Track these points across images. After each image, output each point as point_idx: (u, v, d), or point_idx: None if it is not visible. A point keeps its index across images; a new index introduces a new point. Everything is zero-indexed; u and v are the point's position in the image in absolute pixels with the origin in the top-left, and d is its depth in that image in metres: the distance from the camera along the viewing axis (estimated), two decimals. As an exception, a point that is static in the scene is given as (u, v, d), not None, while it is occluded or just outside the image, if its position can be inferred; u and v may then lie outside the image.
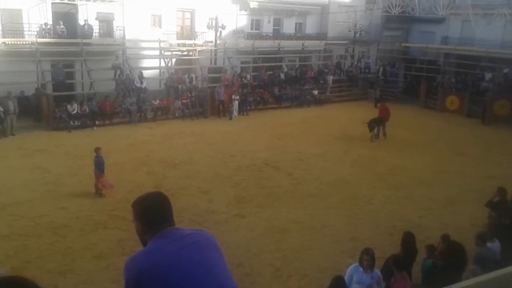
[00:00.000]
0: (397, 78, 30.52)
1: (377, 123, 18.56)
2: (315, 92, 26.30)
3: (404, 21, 31.82)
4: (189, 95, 22.31)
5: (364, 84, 29.30)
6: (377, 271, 6.54)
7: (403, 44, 31.77)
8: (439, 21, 29.97)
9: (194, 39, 25.37)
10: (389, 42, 33.08)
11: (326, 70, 28.58)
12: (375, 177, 14.32)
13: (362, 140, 18.25)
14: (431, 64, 28.61)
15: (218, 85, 22.99)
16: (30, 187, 12.33)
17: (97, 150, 12.03)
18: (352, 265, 6.64)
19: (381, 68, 29.72)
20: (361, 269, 6.42)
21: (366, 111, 21.20)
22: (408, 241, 7.41)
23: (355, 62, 31.13)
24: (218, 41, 25.12)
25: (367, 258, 6.34)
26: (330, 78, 27.95)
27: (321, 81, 27.76)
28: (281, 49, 27.51)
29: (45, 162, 14.50)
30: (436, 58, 30.15)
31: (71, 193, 12.08)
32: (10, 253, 9.04)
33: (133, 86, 21.38)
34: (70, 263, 8.78)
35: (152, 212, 2.28)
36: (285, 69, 27.52)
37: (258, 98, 24.48)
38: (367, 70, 30.37)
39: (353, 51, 31.90)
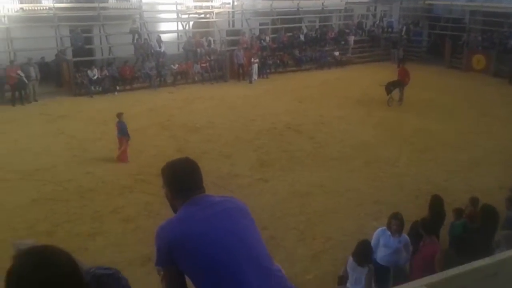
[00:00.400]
0: (421, 37, 29.52)
1: (394, 86, 18.04)
2: (336, 53, 25.68)
3: (428, -23, 30.51)
4: (208, 58, 22.06)
5: (387, 44, 28.43)
6: (404, 235, 6.43)
7: (427, 2, 30.49)
8: (466, -23, 28.62)
9: (211, 1, 24.84)
10: (413, 0, 31.85)
11: (347, 31, 27.77)
12: (399, 140, 14.09)
13: (384, 102, 17.85)
14: (456, 22, 27.52)
15: (237, 48, 22.63)
16: (55, 153, 12.52)
17: (119, 115, 12.09)
18: (380, 229, 6.54)
19: (404, 27, 28.72)
20: (389, 233, 6.32)
21: (389, 72, 20.65)
22: (436, 204, 7.29)
23: (377, 22, 30.09)
24: (235, 3, 24.55)
25: (396, 223, 6.23)
26: (352, 38, 27.19)
27: (342, 42, 27.04)
28: (300, 9, 26.75)
29: (69, 127, 14.67)
30: (462, 16, 28.99)
31: (96, 158, 12.23)
32: (40, 217, 9.27)
33: (152, 51, 21.22)
34: (98, 226, 8.98)
35: (182, 178, 2.24)
36: (305, 30, 26.83)
37: (278, 61, 24.05)
38: (389, 30, 29.40)
39: (375, 10, 30.86)
